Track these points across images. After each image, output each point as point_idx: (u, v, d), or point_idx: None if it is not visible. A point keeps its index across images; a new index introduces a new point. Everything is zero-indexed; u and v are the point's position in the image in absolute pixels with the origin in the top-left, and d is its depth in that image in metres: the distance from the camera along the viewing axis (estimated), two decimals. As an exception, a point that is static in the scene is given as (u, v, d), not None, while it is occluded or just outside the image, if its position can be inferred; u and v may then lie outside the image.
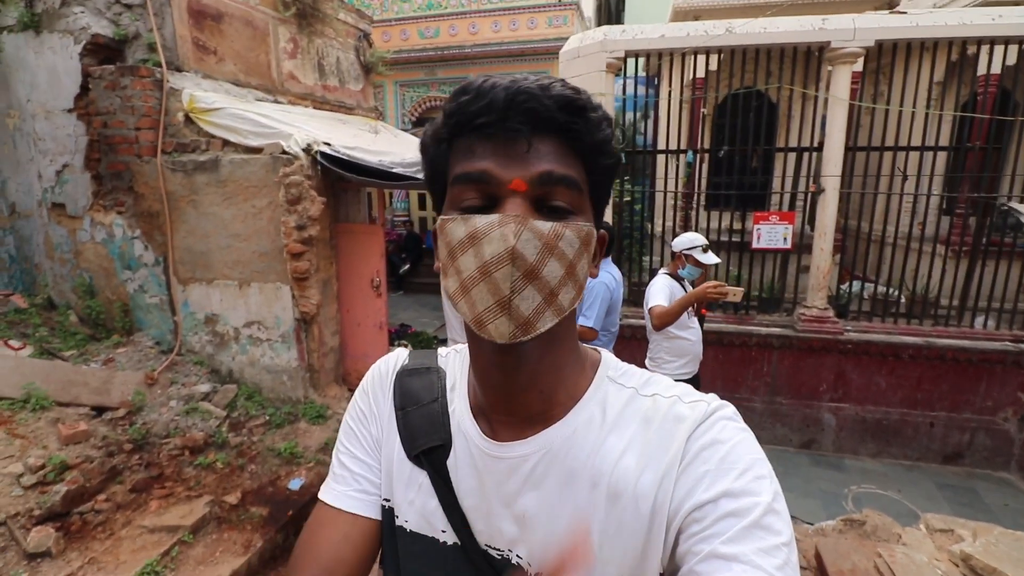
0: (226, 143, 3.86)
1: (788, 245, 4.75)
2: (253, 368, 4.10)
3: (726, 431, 0.54)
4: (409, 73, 9.38)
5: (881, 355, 4.61)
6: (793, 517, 3.88)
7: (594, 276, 0.61)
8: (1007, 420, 4.50)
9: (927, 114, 4.56)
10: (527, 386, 0.58)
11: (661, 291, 3.08)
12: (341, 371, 4.48)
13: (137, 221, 4.02)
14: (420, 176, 3.99)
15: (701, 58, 4.81)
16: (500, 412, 0.61)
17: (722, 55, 4.80)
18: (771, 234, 4.62)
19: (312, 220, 3.73)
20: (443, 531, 0.63)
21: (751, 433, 0.56)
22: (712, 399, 0.58)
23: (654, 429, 0.56)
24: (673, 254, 3.26)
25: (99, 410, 3.59)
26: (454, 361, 0.72)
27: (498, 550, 0.61)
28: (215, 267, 3.97)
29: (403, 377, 0.71)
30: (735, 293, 2.81)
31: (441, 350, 0.75)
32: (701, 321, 3.30)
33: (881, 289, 5.02)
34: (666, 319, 2.99)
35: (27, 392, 3.39)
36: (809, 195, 4.94)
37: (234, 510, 3.17)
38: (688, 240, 3.17)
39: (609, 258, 3.38)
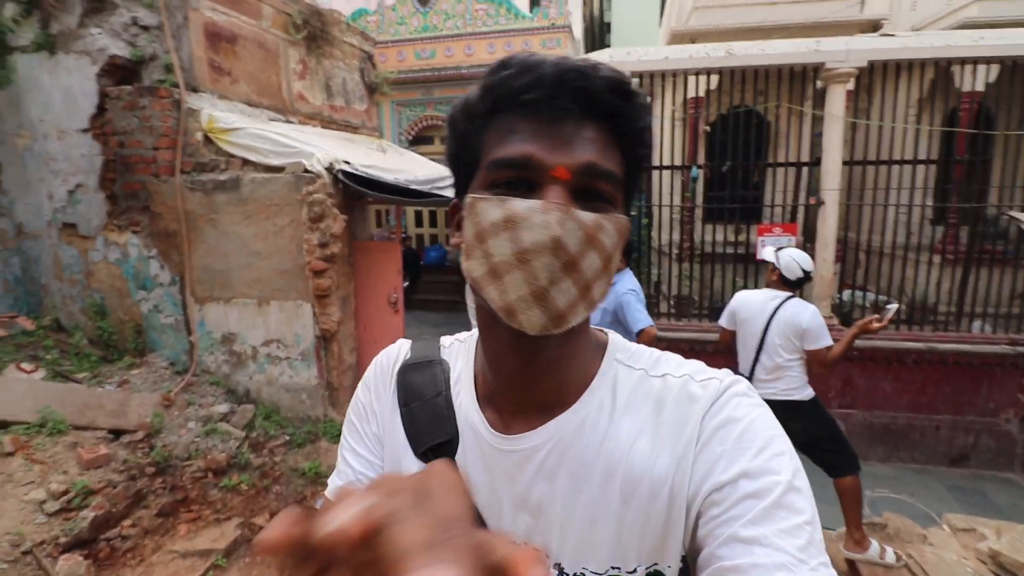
0: (246, 162, 3.88)
1: (793, 256, 4.89)
2: (271, 387, 4.06)
3: (741, 408, 0.53)
4: (406, 93, 9.50)
5: (886, 360, 4.75)
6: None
7: (620, 269, 0.62)
8: (1009, 421, 4.66)
9: (917, 129, 4.80)
10: (543, 375, 0.57)
11: (825, 326, 2.82)
12: (357, 389, 4.45)
13: (153, 241, 3.99)
14: (436, 193, 4.05)
15: (701, 78, 5.00)
16: (512, 400, 0.60)
17: (721, 75, 5.00)
18: (776, 246, 4.77)
19: (334, 237, 3.75)
20: None
21: (767, 408, 0.54)
22: (725, 375, 0.57)
23: (667, 410, 0.55)
24: (799, 281, 2.90)
25: (117, 433, 3.52)
26: (458, 351, 0.69)
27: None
28: (234, 286, 3.95)
29: (405, 372, 0.68)
30: (887, 313, 2.74)
31: (444, 340, 0.72)
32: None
33: (881, 297, 5.19)
34: (835, 362, 2.83)
35: (43, 416, 3.31)
36: (806, 207, 5.12)
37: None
38: (809, 260, 2.93)
39: (628, 268, 3.39)
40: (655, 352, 0.62)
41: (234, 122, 3.87)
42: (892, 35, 4.85)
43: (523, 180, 0.51)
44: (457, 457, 0.61)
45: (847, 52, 4.56)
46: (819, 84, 4.99)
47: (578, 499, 0.55)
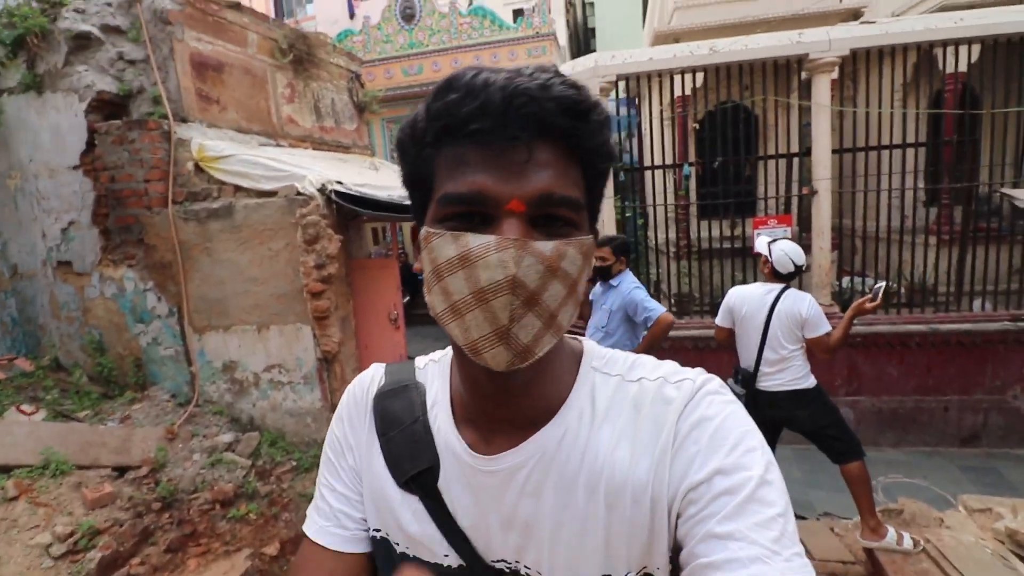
0: (238, 189, 3.88)
1: (789, 247, 4.90)
2: (275, 413, 4.03)
3: (713, 406, 0.53)
4: (396, 110, 9.55)
5: (889, 345, 4.74)
6: (829, 514, 3.92)
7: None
8: (1016, 398, 4.64)
9: (904, 113, 4.83)
10: (519, 396, 0.57)
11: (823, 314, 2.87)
12: (362, 408, 4.43)
13: (149, 273, 3.97)
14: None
15: (686, 76, 5.03)
16: (490, 420, 0.59)
17: (706, 73, 5.03)
18: (772, 237, 4.77)
19: (331, 258, 3.74)
20: (445, 555, 0.60)
21: (739, 404, 0.55)
22: (697, 374, 0.57)
23: (644, 415, 0.55)
24: (792, 273, 2.96)
25: (121, 470, 3.48)
26: (433, 373, 0.67)
27: (507, 563, 0.58)
28: (232, 313, 3.93)
29: (381, 399, 0.66)
30: (878, 294, 2.75)
31: (418, 360, 0.71)
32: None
33: (878, 282, 5.19)
34: (837, 348, 2.87)
35: (45, 458, 3.27)
36: (799, 198, 5.14)
37: (275, 561, 3.08)
38: (802, 253, 2.97)
39: (627, 269, 3.41)
40: (630, 356, 0.62)
41: (224, 149, 3.88)
42: (873, 22, 4.90)
43: (477, 213, 0.49)
44: (439, 483, 0.60)
45: (829, 42, 4.60)
46: (804, 75, 5.03)
47: (565, 513, 0.55)
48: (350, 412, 0.68)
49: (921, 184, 5.12)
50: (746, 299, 3.01)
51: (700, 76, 5.08)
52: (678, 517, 0.51)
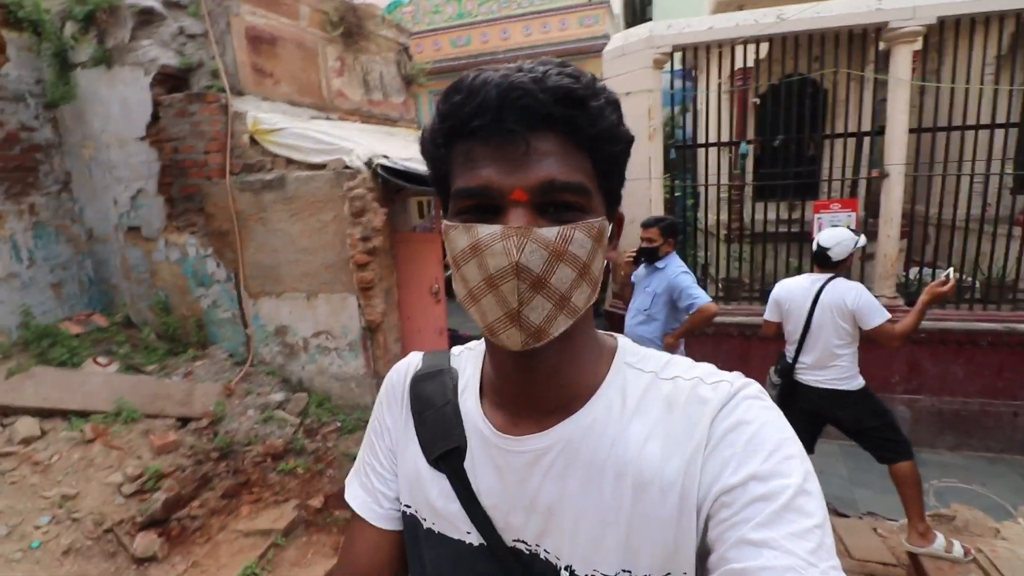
0: (290, 161, 4.01)
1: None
2: (322, 376, 4.23)
3: (751, 411, 0.52)
4: (443, 83, 9.45)
5: (957, 343, 4.41)
6: (873, 514, 3.77)
7: (612, 260, 0.59)
8: (1099, 407, 4.25)
9: (996, 90, 4.36)
10: (545, 381, 0.58)
11: (877, 301, 2.70)
12: (403, 377, 4.58)
13: (209, 240, 4.20)
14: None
15: (749, 47, 4.72)
16: (519, 404, 0.61)
17: (772, 43, 4.70)
18: (833, 222, 4.48)
19: (376, 231, 3.83)
20: (468, 532, 0.62)
21: (778, 411, 0.54)
22: (735, 378, 0.56)
23: (677, 413, 0.55)
24: (840, 261, 2.79)
25: (183, 421, 3.77)
26: (467, 359, 0.71)
27: (526, 544, 0.59)
28: (284, 280, 4.12)
29: (417, 383, 0.70)
30: (952, 278, 2.57)
31: (455, 349, 0.74)
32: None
33: (949, 269, 4.81)
34: (907, 337, 2.68)
35: (118, 406, 3.58)
36: (868, 180, 4.78)
37: (319, 513, 3.28)
38: (852, 238, 2.78)
39: (674, 252, 3.32)
40: (665, 355, 0.62)
41: (277, 123, 4.00)
42: (964, -14, 4.40)
43: (488, 205, 0.52)
44: (466, 463, 0.63)
45: (913, 9, 4.18)
46: (882, 46, 4.61)
47: (588, 501, 0.56)
48: (388, 396, 0.73)
49: (1009, 170, 4.64)
50: (792, 291, 2.87)
51: (764, 47, 4.75)
52: (708, 519, 0.50)
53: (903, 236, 4.73)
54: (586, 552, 0.55)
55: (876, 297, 4.64)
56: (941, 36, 4.49)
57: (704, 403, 0.54)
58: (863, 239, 2.83)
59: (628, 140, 0.55)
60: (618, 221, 0.61)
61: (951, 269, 2.66)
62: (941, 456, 4.57)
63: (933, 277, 4.84)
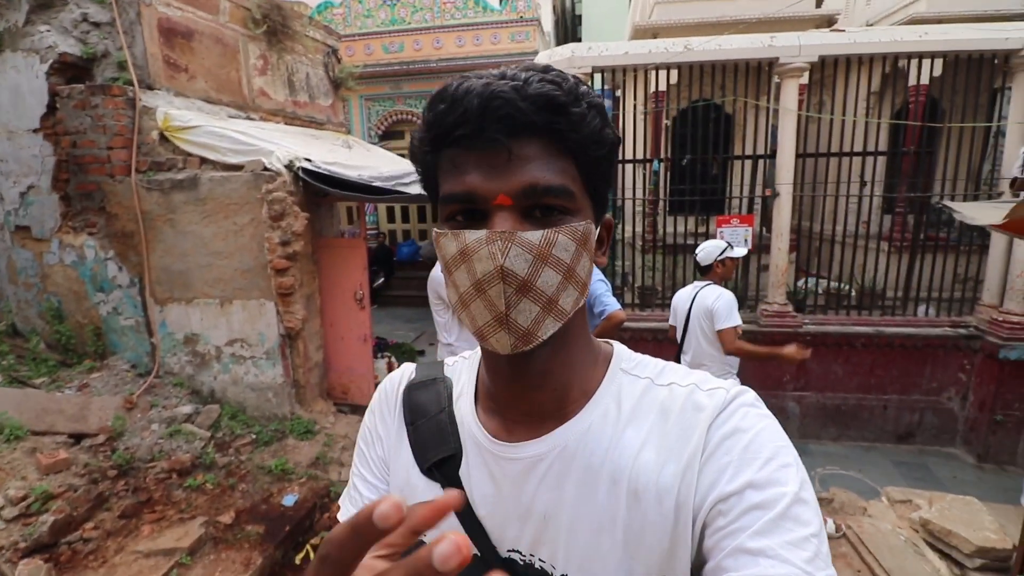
0: (204, 161, 3.85)
1: (749, 246, 5.07)
2: (236, 387, 4.06)
3: (748, 419, 0.52)
4: (375, 87, 9.42)
5: (837, 345, 4.97)
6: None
7: (602, 264, 0.60)
8: (951, 399, 4.93)
9: (866, 122, 4.99)
10: (539, 386, 0.58)
11: (735, 309, 2.94)
12: (325, 386, 4.48)
13: (110, 242, 3.93)
14: (399, 189, 4.09)
15: (663, 72, 5.10)
16: (514, 410, 0.61)
17: (681, 70, 5.11)
18: (733, 236, 4.92)
19: (296, 235, 3.76)
20: None
21: (774, 419, 0.54)
22: (731, 385, 0.56)
23: (673, 420, 0.55)
24: (707, 267, 3.09)
25: (77, 437, 3.49)
26: (461, 368, 0.71)
27: (521, 555, 0.59)
28: (195, 286, 3.93)
29: (411, 392, 0.70)
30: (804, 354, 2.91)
31: (448, 359, 0.75)
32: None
33: (833, 284, 5.41)
34: (743, 355, 2.93)
35: (0, 423, 3.27)
36: (764, 199, 5.29)
37: (229, 529, 3.14)
38: (718, 247, 3.09)
39: None
40: (660, 362, 0.62)
41: (191, 120, 3.83)
42: (842, 31, 5.02)
43: (475, 211, 0.52)
44: (461, 471, 0.62)
45: (799, 47, 4.71)
46: (775, 79, 5.14)
47: (584, 507, 0.55)
48: (380, 405, 0.72)
49: (879, 192, 5.31)
50: (679, 297, 3.19)
51: (675, 73, 5.15)
52: (704, 527, 0.50)
53: (792, 249, 5.27)
54: (581, 560, 0.55)
55: (768, 304, 5.13)
56: (823, 73, 5.07)
57: (700, 410, 0.54)
58: (737, 250, 3.14)
59: (613, 143, 0.55)
60: (606, 226, 0.61)
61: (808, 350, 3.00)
62: (825, 446, 5.10)
63: (817, 286, 5.43)
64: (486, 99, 0.49)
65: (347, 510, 0.71)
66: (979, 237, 4.97)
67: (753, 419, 0.52)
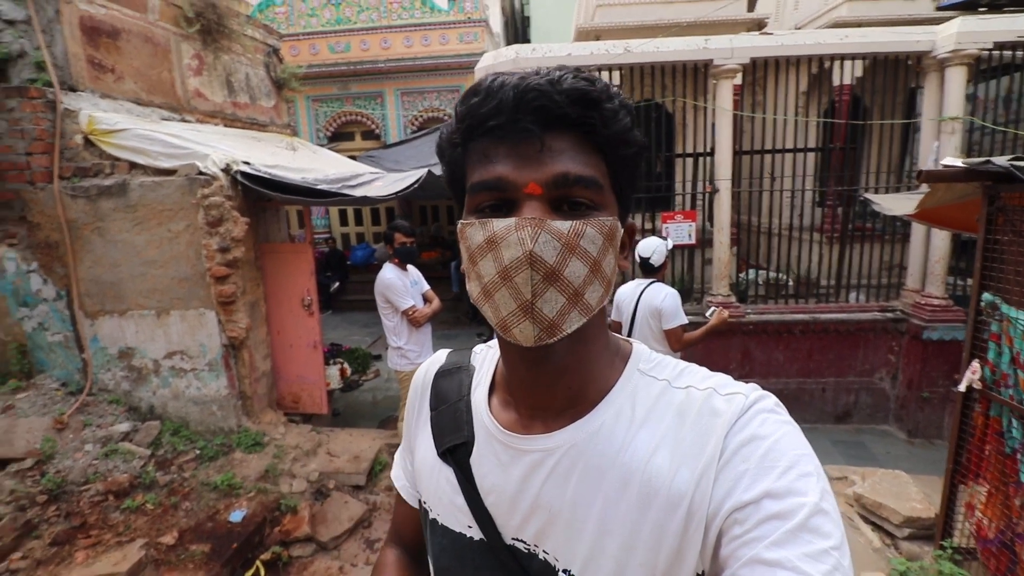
0: (133, 166, 3.67)
1: (693, 241, 5.26)
2: (178, 401, 3.89)
3: (767, 425, 0.51)
4: (321, 88, 9.21)
5: (777, 332, 5.22)
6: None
7: (624, 268, 0.60)
8: (882, 380, 5.26)
9: (796, 120, 5.26)
10: (555, 382, 0.58)
11: (681, 307, 3.00)
12: (275, 396, 4.35)
13: (33, 253, 3.70)
14: (344, 192, 4.02)
15: (606, 73, 5.22)
16: (528, 404, 0.61)
17: (623, 71, 5.24)
18: (678, 231, 5.10)
19: (236, 241, 3.64)
20: (469, 526, 0.63)
21: (795, 426, 0.52)
22: (751, 390, 0.55)
23: (689, 424, 0.54)
24: (657, 267, 3.14)
25: (2, 463, 3.26)
26: (484, 357, 0.73)
27: (525, 544, 0.59)
28: (128, 297, 3.74)
29: (438, 379, 0.74)
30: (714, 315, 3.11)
31: (477, 347, 0.76)
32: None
33: (772, 275, 5.68)
34: (690, 347, 3.01)
35: (-92, 452, 3.02)
36: (707, 195, 5.50)
37: (172, 551, 3.02)
38: (665, 245, 3.15)
39: None
40: (680, 363, 0.62)
41: (118, 123, 3.65)
42: (771, 34, 5.27)
43: (503, 201, 0.53)
44: (472, 458, 0.64)
45: (732, 50, 4.92)
46: (712, 80, 5.35)
47: (590, 506, 0.55)
48: (414, 392, 0.77)
49: (811, 187, 5.61)
50: (623, 294, 3.23)
51: (618, 74, 5.28)
52: (719, 536, 0.49)
53: (734, 243, 5.49)
54: (586, 558, 0.55)
55: (713, 295, 5.33)
56: (755, 74, 5.32)
57: (717, 415, 0.53)
58: (671, 243, 3.25)
59: (641, 145, 0.57)
60: (629, 230, 0.60)
61: (715, 309, 3.23)
62: (771, 430, 5.34)
63: (758, 277, 5.68)
64: (521, 91, 0.50)
65: (397, 474, 0.81)
66: (902, 227, 5.32)
67: (772, 426, 0.51)
